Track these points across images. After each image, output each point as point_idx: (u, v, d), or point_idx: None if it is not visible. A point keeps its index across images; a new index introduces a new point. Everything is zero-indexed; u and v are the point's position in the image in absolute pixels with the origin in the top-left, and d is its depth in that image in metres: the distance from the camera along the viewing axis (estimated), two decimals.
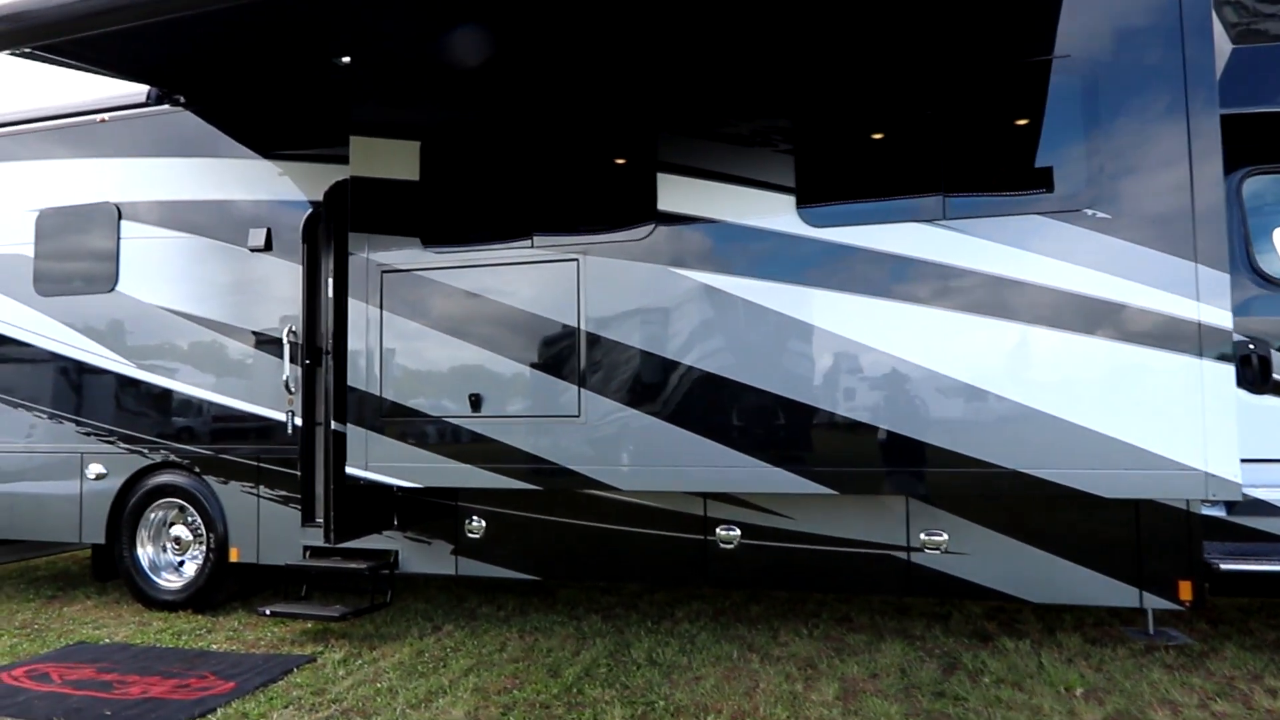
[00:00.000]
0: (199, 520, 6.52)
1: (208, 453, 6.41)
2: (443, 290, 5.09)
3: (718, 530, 5.25)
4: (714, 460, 4.56)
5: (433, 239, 5.20)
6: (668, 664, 5.02)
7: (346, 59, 5.29)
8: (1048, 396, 4.09)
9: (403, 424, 5.14)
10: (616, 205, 4.88)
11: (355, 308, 5.27)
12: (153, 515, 6.69)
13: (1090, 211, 4.07)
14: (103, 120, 6.94)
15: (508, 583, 6.49)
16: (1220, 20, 4.68)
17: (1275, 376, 4.72)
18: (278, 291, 6.26)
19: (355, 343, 5.26)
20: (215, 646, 5.65)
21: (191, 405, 6.47)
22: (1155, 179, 3.98)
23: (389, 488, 5.34)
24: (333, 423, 5.54)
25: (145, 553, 6.68)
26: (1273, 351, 4.76)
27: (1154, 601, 4.66)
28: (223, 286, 6.44)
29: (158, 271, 6.62)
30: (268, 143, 6.40)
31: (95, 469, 6.74)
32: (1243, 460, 4.07)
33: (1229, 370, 3.92)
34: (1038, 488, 4.12)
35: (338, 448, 5.49)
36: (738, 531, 5.22)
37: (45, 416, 6.92)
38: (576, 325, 4.82)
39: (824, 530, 5.11)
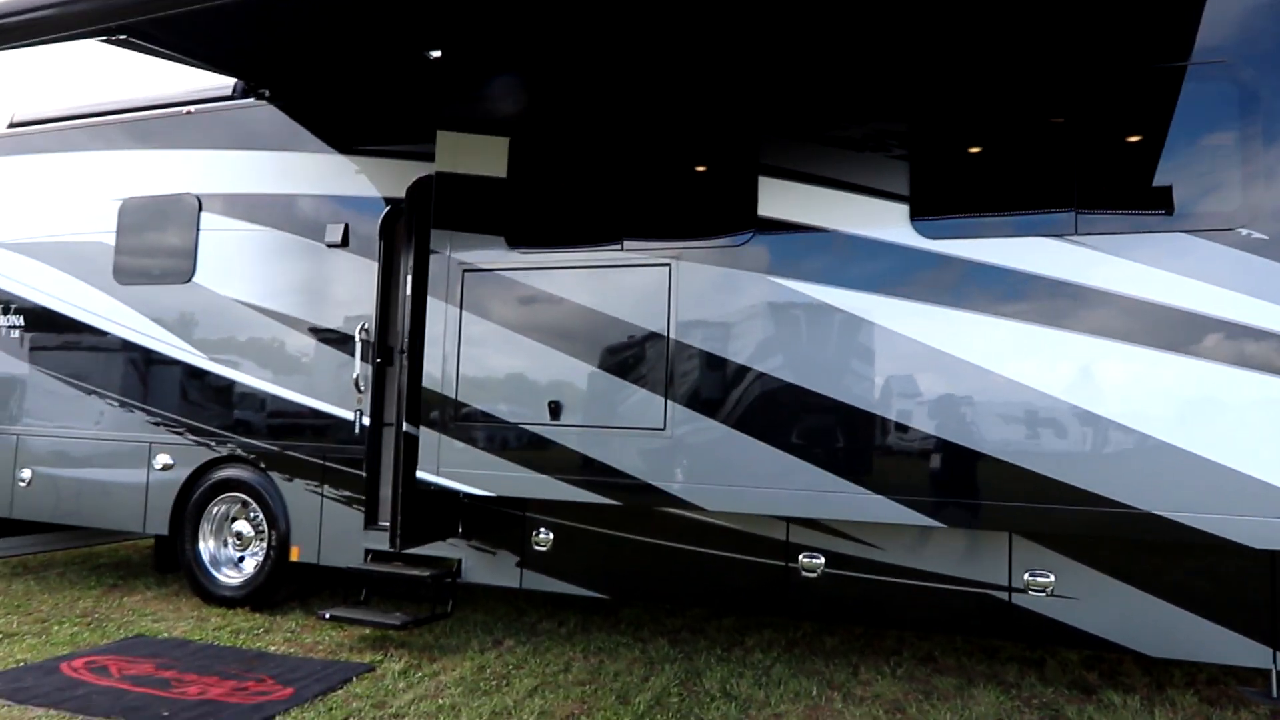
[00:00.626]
0: (261, 517, 6.42)
1: (274, 448, 6.31)
2: (526, 292, 4.89)
3: (800, 557, 4.94)
4: (809, 484, 4.26)
5: (518, 239, 5.01)
6: (743, 698, 4.72)
7: (437, 53, 5.17)
8: (1189, 433, 3.72)
9: (477, 429, 4.94)
10: (714, 209, 4.63)
11: (434, 307, 5.10)
12: (216, 509, 6.60)
13: (1245, 231, 3.69)
14: (188, 112, 6.94)
15: (570, 599, 6.25)
16: None
17: None
18: (352, 288, 6.15)
19: (432, 343, 5.09)
20: (273, 648, 5.51)
21: (261, 400, 6.38)
22: None
23: (456, 494, 5.15)
24: (404, 424, 5.37)
25: (207, 547, 6.60)
26: None
27: None
28: (297, 281, 6.36)
29: (235, 264, 6.57)
30: (349, 139, 6.31)
31: (162, 459, 6.69)
32: None
33: None
34: (1174, 533, 3.73)
35: (408, 451, 5.32)
36: (822, 560, 4.90)
37: (116, 404, 6.91)
38: (666, 334, 4.57)
39: (916, 564, 4.77)
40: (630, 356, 4.65)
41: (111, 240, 7.06)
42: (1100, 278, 3.85)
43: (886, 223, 4.21)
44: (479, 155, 5.09)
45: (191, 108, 6.96)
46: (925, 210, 4.20)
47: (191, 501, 6.57)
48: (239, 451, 6.42)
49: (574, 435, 4.72)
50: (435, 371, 5.06)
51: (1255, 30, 3.78)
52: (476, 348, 4.97)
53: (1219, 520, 3.69)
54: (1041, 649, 5.61)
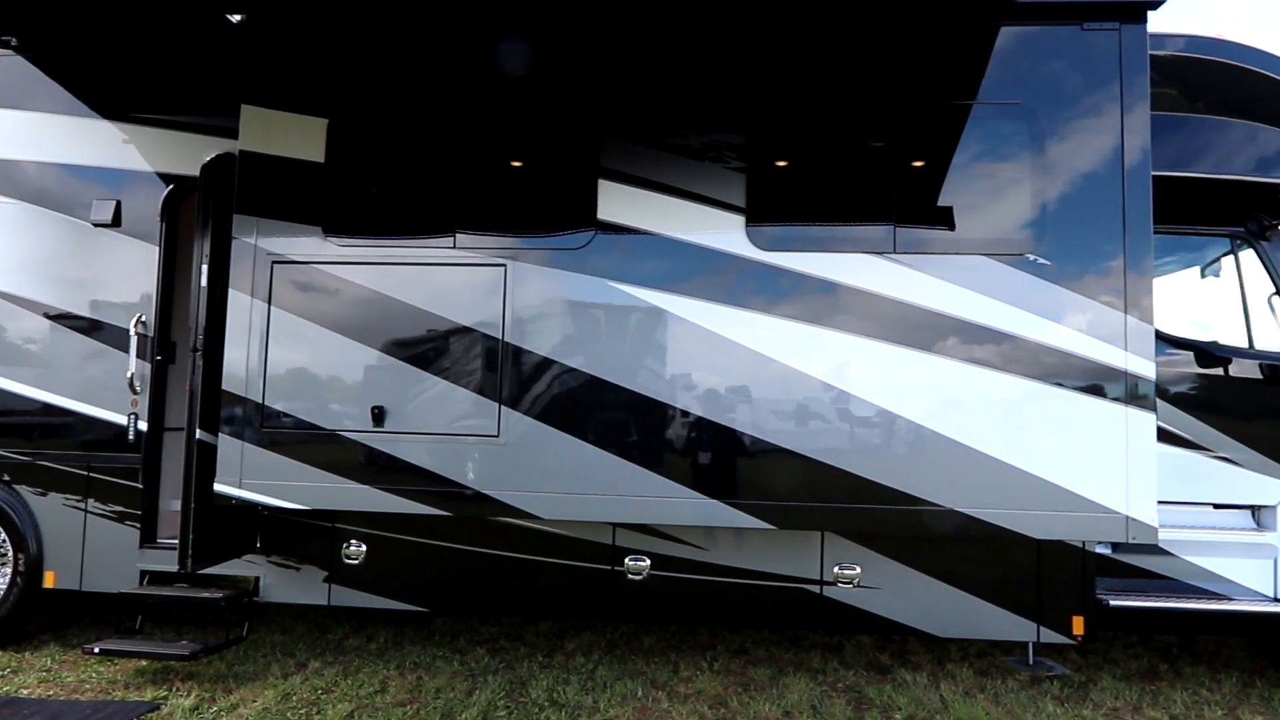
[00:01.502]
0: (4, 538, 5.49)
1: (23, 458, 5.43)
2: (346, 287, 4.51)
3: (627, 560, 4.96)
4: (646, 490, 4.28)
5: (337, 228, 4.61)
6: (572, 704, 4.67)
7: (238, 16, 4.64)
8: (987, 437, 4.13)
9: (288, 436, 4.49)
10: (553, 209, 4.51)
11: (237, 300, 4.58)
12: None
13: (1032, 256, 4.15)
14: None
15: (377, 612, 5.88)
16: None
17: (1160, 424, 5.02)
18: (124, 274, 5.43)
19: (234, 340, 4.56)
20: (25, 690, 4.75)
21: (7, 402, 5.46)
22: (1093, 230, 4.12)
23: (254, 506, 4.66)
24: (198, 431, 4.79)
25: None
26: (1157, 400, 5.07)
27: (1050, 636, 4.82)
28: (56, 264, 5.50)
29: None
30: (122, 104, 5.54)
31: None
32: None
33: (1151, 418, 4.10)
34: (976, 528, 4.13)
35: (202, 460, 4.75)
36: (647, 562, 4.96)
37: None
38: (500, 336, 4.40)
39: (737, 563, 4.95)
40: (462, 359, 4.43)
41: None
42: (914, 294, 4.18)
43: (724, 232, 4.31)
44: (293, 136, 4.62)
45: None
46: (760, 221, 4.35)
47: None
48: None
49: (401, 443, 4.43)
50: (238, 372, 4.55)
51: (1043, 78, 4.25)
52: (288, 346, 4.51)
53: (1010, 515, 4.13)
54: (842, 635, 6.03)
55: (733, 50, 4.47)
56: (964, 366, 4.15)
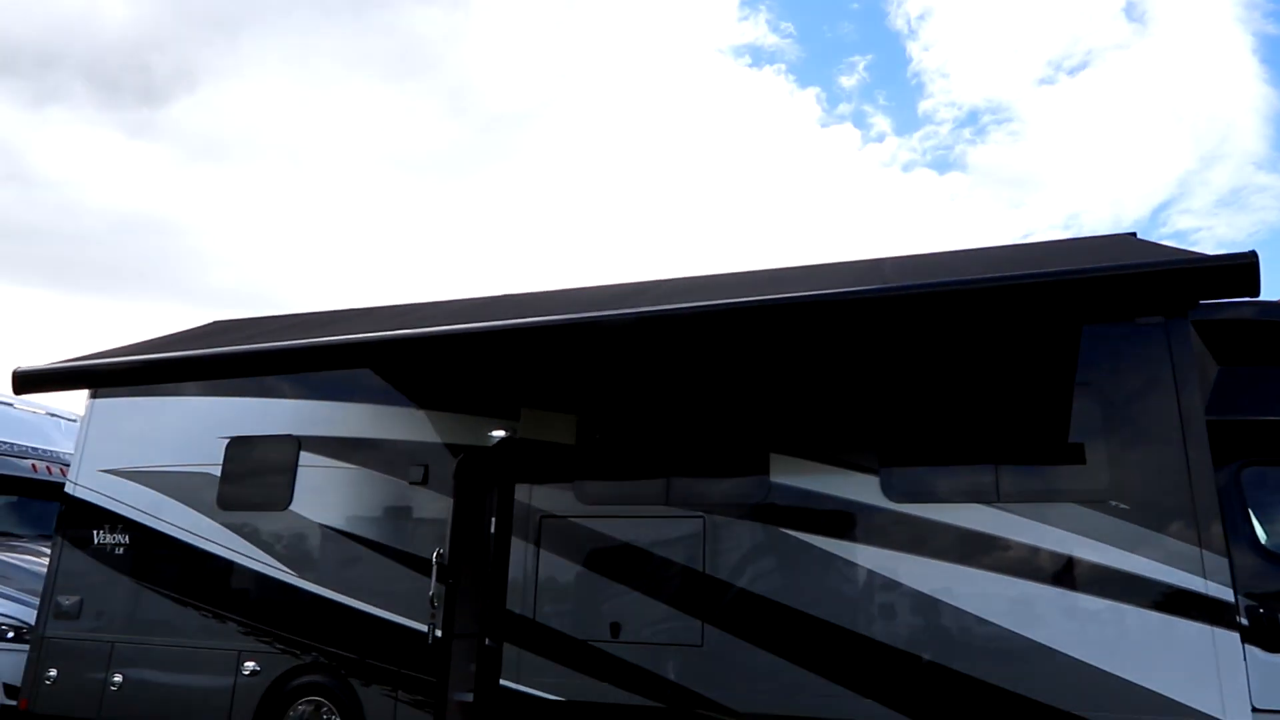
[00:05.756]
0: (337, 718, 7.35)
1: (353, 657, 7.32)
2: (593, 535, 6.34)
3: None
4: (816, 689, 5.55)
5: (586, 493, 6.52)
6: None
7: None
8: (1100, 653, 5.09)
9: (552, 644, 6.20)
10: (736, 475, 6.19)
11: (516, 544, 6.51)
12: (293, 712, 7.53)
13: (1114, 502, 5.26)
14: None
15: None
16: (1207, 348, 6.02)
17: None
18: (428, 519, 7.46)
19: (515, 573, 6.44)
20: None
21: (345, 614, 7.43)
22: (1161, 480, 5.19)
23: (526, 697, 6.25)
24: (488, 640, 6.59)
25: None
26: None
27: None
28: (381, 511, 7.65)
29: (327, 495, 7.86)
30: (431, 399, 7.79)
31: (250, 665, 7.66)
32: (1265, 710, 4.96)
33: (1235, 636, 4.91)
34: None
35: (492, 662, 6.51)
36: None
37: (210, 615, 7.94)
38: (701, 569, 6.00)
39: None
40: (674, 587, 6.03)
41: (217, 472, 8.38)
42: (1015, 533, 5.38)
43: (864, 489, 5.78)
44: (554, 427, 6.67)
45: None
46: (891, 481, 5.79)
47: (273, 705, 7.51)
48: (321, 659, 7.44)
49: (629, 649, 6.01)
50: (516, 596, 6.39)
51: (1109, 363, 5.52)
52: (552, 578, 6.33)
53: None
54: None
55: (871, 367, 6.11)
56: (1070, 594, 5.20)
